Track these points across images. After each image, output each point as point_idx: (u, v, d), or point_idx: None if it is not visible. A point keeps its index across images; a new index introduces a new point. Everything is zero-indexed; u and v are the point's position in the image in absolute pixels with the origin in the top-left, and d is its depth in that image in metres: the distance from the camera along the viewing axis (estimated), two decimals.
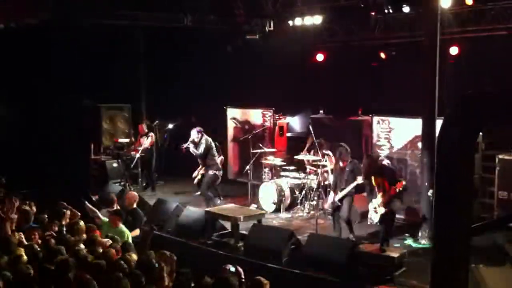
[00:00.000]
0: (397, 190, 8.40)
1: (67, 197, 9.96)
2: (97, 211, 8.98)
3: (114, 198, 10.06)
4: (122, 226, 8.38)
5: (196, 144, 11.25)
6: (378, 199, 8.57)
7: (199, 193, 12.51)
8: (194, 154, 11.31)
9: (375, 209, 8.63)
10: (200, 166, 11.63)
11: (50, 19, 11.78)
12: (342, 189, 9.03)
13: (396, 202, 8.59)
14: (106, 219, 8.62)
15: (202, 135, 11.35)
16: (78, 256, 6.15)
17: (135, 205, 9.52)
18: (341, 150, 9.04)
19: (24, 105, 13.69)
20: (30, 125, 13.46)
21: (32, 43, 12.93)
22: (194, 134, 11.31)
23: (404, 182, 8.58)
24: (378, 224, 8.81)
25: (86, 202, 9.03)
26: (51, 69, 13.22)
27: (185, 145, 11.37)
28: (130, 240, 8.15)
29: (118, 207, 9.67)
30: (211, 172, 11.22)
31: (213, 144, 11.42)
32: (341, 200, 9.06)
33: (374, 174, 8.68)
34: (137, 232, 8.90)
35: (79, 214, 8.45)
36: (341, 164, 9.12)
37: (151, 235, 8.03)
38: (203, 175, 11.44)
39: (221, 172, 11.51)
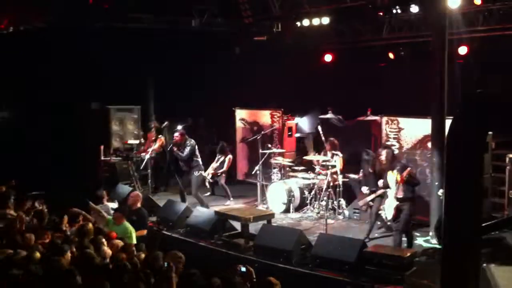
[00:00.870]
0: (405, 177, 8.35)
1: (76, 199, 10.11)
2: (101, 210, 9.08)
3: (104, 194, 10.16)
4: (126, 223, 8.49)
5: (179, 147, 11.28)
6: (391, 196, 8.56)
7: (208, 193, 12.59)
8: (179, 157, 11.39)
9: (389, 206, 8.63)
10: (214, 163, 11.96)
11: (58, 22, 11.90)
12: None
13: (412, 197, 8.56)
14: (110, 217, 8.74)
15: (185, 138, 11.39)
16: (85, 258, 6.17)
17: (139, 205, 9.59)
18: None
19: (33, 108, 13.78)
20: (39, 127, 13.55)
21: (41, 45, 13.02)
22: (177, 136, 11.39)
23: (409, 168, 8.51)
24: (391, 222, 8.79)
25: (90, 202, 9.13)
26: (60, 71, 13.31)
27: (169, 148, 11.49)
28: (134, 237, 8.29)
29: (107, 203, 9.87)
30: (196, 173, 11.30)
31: (196, 146, 11.45)
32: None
33: (391, 169, 8.67)
34: (143, 232, 8.97)
35: (92, 219, 8.50)
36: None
37: (159, 236, 8.10)
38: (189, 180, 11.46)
39: (203, 171, 11.63)
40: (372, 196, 9.23)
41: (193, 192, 11.33)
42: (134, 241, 8.17)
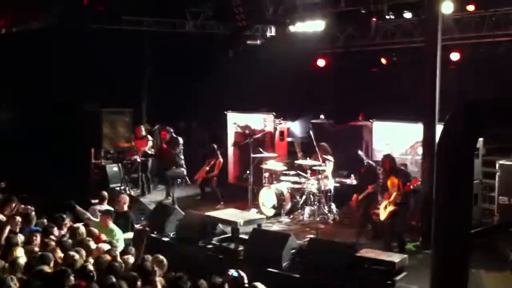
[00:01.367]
0: (412, 187, 8.48)
1: (67, 201, 10.07)
2: (87, 213, 9.11)
3: (106, 195, 10.14)
4: (112, 226, 8.54)
5: (168, 144, 11.81)
6: (391, 198, 8.64)
7: (198, 197, 12.55)
8: (172, 152, 11.81)
9: (385, 207, 8.70)
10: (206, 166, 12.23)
11: (56, 23, 11.86)
12: None
13: (407, 203, 8.72)
14: (96, 220, 8.77)
15: (171, 134, 11.95)
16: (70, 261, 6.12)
17: (126, 208, 9.65)
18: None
19: (25, 110, 13.70)
20: (31, 129, 13.47)
21: (34, 46, 12.96)
22: (164, 135, 12.02)
23: (419, 181, 8.63)
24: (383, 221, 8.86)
25: (77, 206, 9.12)
26: (53, 73, 13.24)
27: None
28: (122, 240, 8.34)
29: (107, 206, 9.83)
30: (182, 169, 11.94)
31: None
32: None
33: (392, 174, 8.76)
34: (130, 235, 8.95)
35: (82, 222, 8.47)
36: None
37: (145, 236, 8.08)
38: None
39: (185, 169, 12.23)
40: (363, 194, 9.31)
41: (169, 173, 11.82)
42: (122, 244, 8.15)
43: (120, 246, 7.88)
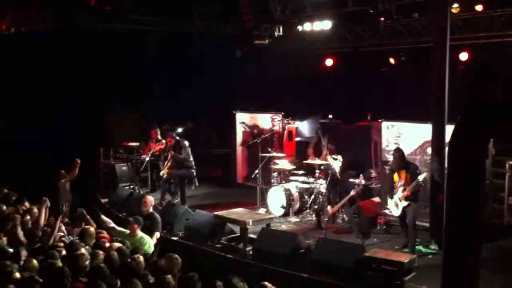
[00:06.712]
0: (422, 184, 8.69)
1: (76, 201, 10.08)
2: (111, 221, 8.54)
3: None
4: (141, 234, 8.17)
5: (175, 149, 11.71)
6: (399, 194, 8.72)
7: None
8: (178, 159, 11.73)
9: (396, 203, 8.74)
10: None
11: (59, 24, 11.93)
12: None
13: (415, 198, 8.82)
14: (122, 229, 8.34)
15: (176, 139, 11.84)
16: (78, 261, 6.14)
17: (151, 209, 9.43)
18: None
19: (34, 110, 13.77)
20: (39, 129, 13.53)
21: (42, 46, 13.03)
22: (169, 141, 11.91)
23: (425, 174, 8.78)
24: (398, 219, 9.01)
25: (101, 214, 8.59)
26: (61, 74, 13.31)
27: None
28: (152, 247, 7.95)
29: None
30: (192, 170, 11.82)
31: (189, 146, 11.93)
32: None
33: (401, 168, 8.87)
34: (157, 235, 8.85)
35: (94, 225, 8.34)
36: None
37: (161, 240, 8.04)
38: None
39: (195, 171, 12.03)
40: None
41: (177, 173, 11.74)
42: (152, 249, 7.79)
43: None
